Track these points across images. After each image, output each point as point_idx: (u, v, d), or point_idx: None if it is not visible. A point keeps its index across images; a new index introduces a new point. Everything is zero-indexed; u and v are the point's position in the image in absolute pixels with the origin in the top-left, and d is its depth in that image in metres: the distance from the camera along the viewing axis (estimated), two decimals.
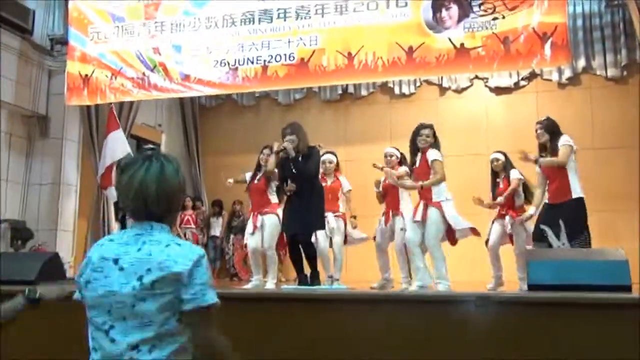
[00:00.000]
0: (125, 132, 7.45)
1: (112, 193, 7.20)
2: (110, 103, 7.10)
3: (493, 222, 5.58)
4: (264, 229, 5.42)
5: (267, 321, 3.33)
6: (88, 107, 7.45)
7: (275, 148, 5.21)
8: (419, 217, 4.87)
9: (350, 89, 8.92)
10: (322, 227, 5.19)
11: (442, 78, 8.43)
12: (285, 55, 6.26)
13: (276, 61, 6.29)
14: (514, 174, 5.49)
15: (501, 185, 5.58)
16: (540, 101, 8.07)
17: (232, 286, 5.50)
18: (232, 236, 8.36)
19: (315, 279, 5.04)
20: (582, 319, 2.94)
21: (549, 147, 4.87)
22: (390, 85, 8.70)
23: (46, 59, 7.64)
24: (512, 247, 5.48)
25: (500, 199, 5.45)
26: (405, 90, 8.70)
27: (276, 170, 5.29)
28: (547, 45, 5.54)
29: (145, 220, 1.62)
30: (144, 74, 6.77)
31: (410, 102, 8.69)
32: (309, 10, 6.23)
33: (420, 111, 8.30)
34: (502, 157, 5.64)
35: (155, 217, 1.62)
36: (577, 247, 4.42)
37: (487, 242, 5.53)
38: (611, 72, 7.81)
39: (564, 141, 4.80)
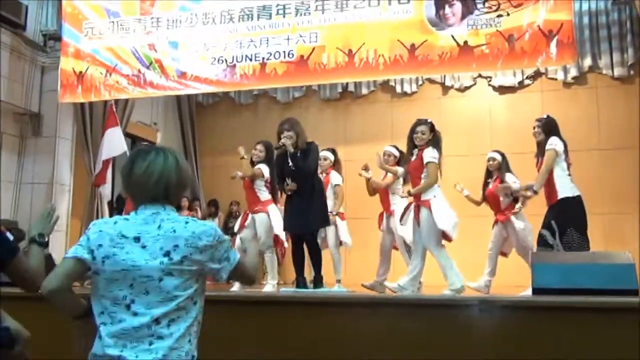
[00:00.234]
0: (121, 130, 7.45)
1: (105, 191, 7.21)
2: (110, 100, 7.12)
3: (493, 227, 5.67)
4: (257, 230, 5.39)
5: (266, 324, 3.33)
6: (82, 104, 7.45)
7: (241, 154, 5.35)
8: (408, 219, 4.90)
9: (351, 88, 8.93)
10: (326, 223, 5.16)
11: (444, 77, 8.43)
12: (284, 52, 6.26)
13: (275, 58, 6.29)
14: (509, 179, 5.51)
15: (490, 186, 5.63)
16: (545, 101, 8.07)
17: (229, 289, 5.51)
18: (229, 237, 8.36)
19: (318, 283, 5.03)
20: (588, 324, 2.94)
21: (541, 147, 4.91)
22: (392, 83, 8.71)
23: (39, 55, 7.63)
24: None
25: (518, 207, 5.43)
26: (407, 88, 8.71)
27: (263, 169, 5.33)
28: (553, 44, 5.54)
29: (155, 204, 1.77)
30: (139, 70, 6.77)
31: (412, 101, 8.69)
32: (308, 7, 6.23)
33: (422, 110, 8.27)
34: (498, 157, 5.68)
35: (168, 202, 1.79)
36: (563, 247, 4.48)
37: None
38: (618, 71, 7.82)
39: (549, 145, 4.82)
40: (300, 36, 6.23)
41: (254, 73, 6.40)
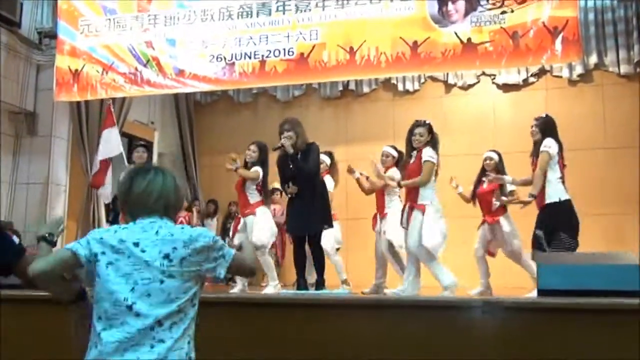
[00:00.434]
0: (117, 129, 7.45)
1: (106, 192, 7.19)
2: (108, 99, 7.13)
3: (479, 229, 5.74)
4: (247, 232, 5.32)
5: (266, 326, 3.34)
6: (78, 103, 7.46)
7: (232, 157, 5.34)
8: (404, 222, 4.92)
9: (352, 86, 8.93)
10: (328, 225, 5.16)
11: (447, 74, 8.43)
12: (284, 50, 6.27)
13: (275, 56, 6.30)
14: (510, 187, 5.54)
15: (485, 186, 5.66)
16: (550, 99, 8.08)
17: (228, 290, 5.53)
18: (227, 239, 8.37)
19: (320, 286, 5.04)
20: (594, 326, 2.94)
21: (537, 147, 4.93)
22: (394, 81, 8.71)
23: (34, 53, 7.65)
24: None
25: (500, 201, 5.51)
26: (409, 87, 8.71)
27: (258, 171, 5.30)
28: (558, 41, 5.55)
29: (152, 217, 1.87)
30: (136, 69, 6.78)
31: (414, 99, 8.69)
32: (309, 3, 6.24)
33: (424, 109, 8.31)
34: (495, 157, 5.71)
35: (166, 217, 1.90)
36: (552, 249, 4.53)
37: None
38: (624, 68, 7.82)
39: (543, 146, 4.83)
40: (301, 33, 6.24)
41: (254, 71, 6.42)
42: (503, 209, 5.57)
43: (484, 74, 8.33)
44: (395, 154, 5.71)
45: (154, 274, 1.74)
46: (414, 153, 4.96)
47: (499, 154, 5.76)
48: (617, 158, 7.52)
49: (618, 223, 7.23)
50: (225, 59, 6.48)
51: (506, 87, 8.36)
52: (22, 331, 2.74)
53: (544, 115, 5.11)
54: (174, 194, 1.92)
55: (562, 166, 4.91)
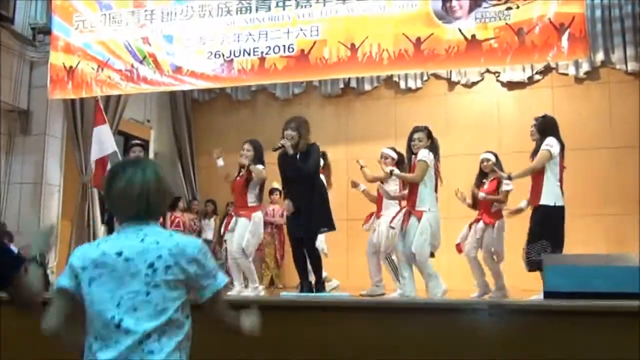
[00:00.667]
0: (112, 128, 7.43)
1: None
2: (97, 96, 7.09)
3: (470, 227, 5.72)
4: (236, 231, 5.34)
5: (266, 328, 3.33)
6: (72, 101, 7.46)
7: (215, 156, 5.39)
8: (396, 224, 4.98)
9: (353, 83, 8.92)
10: (328, 226, 5.14)
11: (451, 72, 8.43)
12: (284, 46, 6.27)
13: (274, 53, 6.30)
14: (506, 187, 5.54)
15: (486, 187, 5.69)
16: (556, 97, 8.08)
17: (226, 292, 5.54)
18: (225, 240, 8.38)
19: (320, 288, 5.07)
20: (600, 328, 2.95)
21: (536, 147, 4.95)
22: (396, 79, 8.71)
23: (28, 50, 7.64)
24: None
25: (482, 195, 5.59)
26: (411, 84, 8.71)
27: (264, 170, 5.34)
28: (564, 37, 5.55)
29: (138, 220, 1.81)
30: (132, 65, 6.78)
31: (416, 97, 8.70)
32: None
33: (427, 107, 8.32)
34: (493, 158, 5.74)
35: (151, 216, 1.83)
36: (534, 254, 4.60)
37: (458, 245, 5.76)
38: (631, 66, 7.81)
39: (545, 145, 4.84)
40: (301, 29, 6.24)
41: (253, 68, 6.41)
42: (500, 213, 5.59)
43: (488, 71, 8.33)
44: (395, 155, 5.72)
45: (139, 286, 1.70)
46: (413, 157, 5.05)
47: (495, 155, 5.78)
48: (621, 158, 7.53)
49: (619, 223, 7.24)
50: (223, 55, 6.48)
51: (511, 85, 8.36)
52: (22, 332, 2.74)
53: (543, 116, 5.12)
54: (155, 184, 1.81)
55: (562, 168, 4.90)
